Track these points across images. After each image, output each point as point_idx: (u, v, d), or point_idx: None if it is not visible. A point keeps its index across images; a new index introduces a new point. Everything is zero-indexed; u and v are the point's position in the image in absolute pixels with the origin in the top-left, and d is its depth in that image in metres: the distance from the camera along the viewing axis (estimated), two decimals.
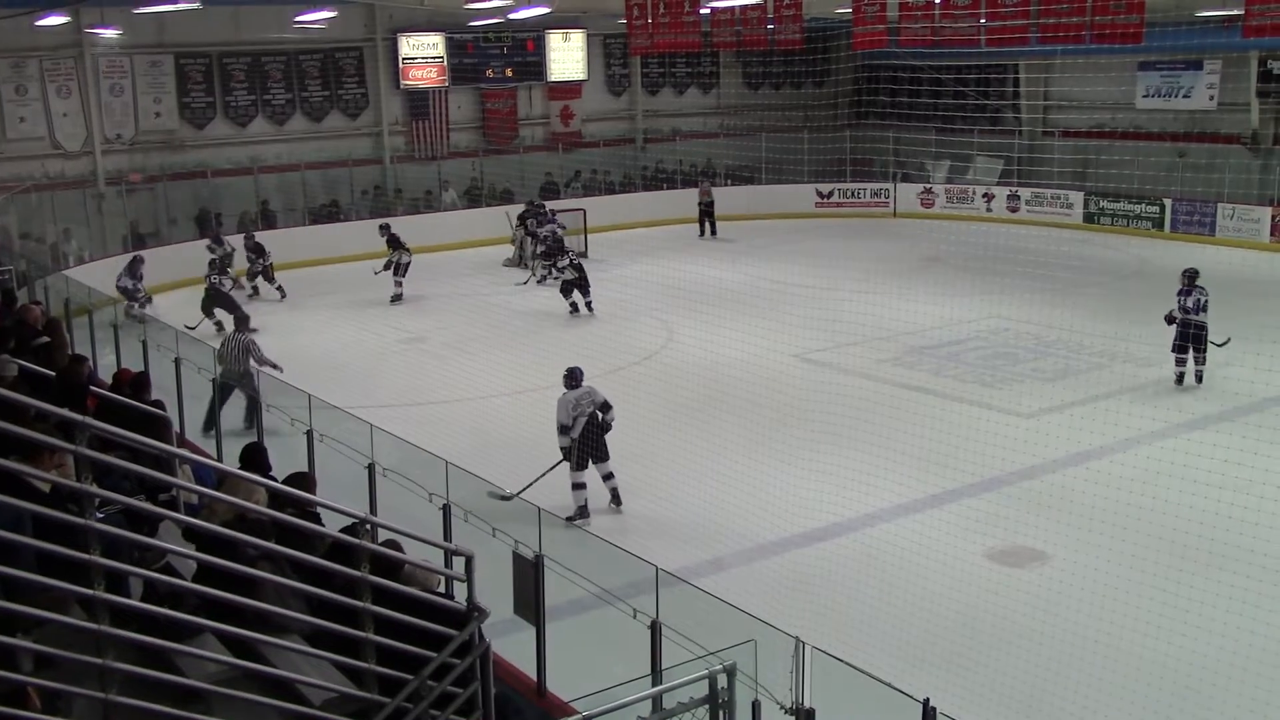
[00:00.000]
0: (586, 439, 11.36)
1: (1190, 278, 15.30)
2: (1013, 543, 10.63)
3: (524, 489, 10.69)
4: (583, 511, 11.33)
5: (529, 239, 24.74)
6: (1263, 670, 8.06)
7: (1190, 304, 15.04)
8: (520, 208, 26.24)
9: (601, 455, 11.51)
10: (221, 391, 12.95)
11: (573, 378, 11.71)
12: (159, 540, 5.32)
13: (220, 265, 20.49)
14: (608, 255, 25.03)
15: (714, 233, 28.50)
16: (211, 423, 12.90)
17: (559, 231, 22.90)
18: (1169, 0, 22.11)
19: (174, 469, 6.52)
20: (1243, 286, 20.01)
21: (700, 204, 28.92)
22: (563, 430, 11.44)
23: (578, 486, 11.40)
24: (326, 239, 26.04)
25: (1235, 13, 19.31)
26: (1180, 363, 15.15)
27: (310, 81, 27.84)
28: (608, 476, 11.58)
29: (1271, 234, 24.96)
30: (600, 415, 11.52)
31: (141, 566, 4.98)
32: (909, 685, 5.15)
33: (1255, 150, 26.76)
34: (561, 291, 20.52)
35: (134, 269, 20.39)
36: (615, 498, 11.60)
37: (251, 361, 13.79)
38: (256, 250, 22.40)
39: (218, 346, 14.19)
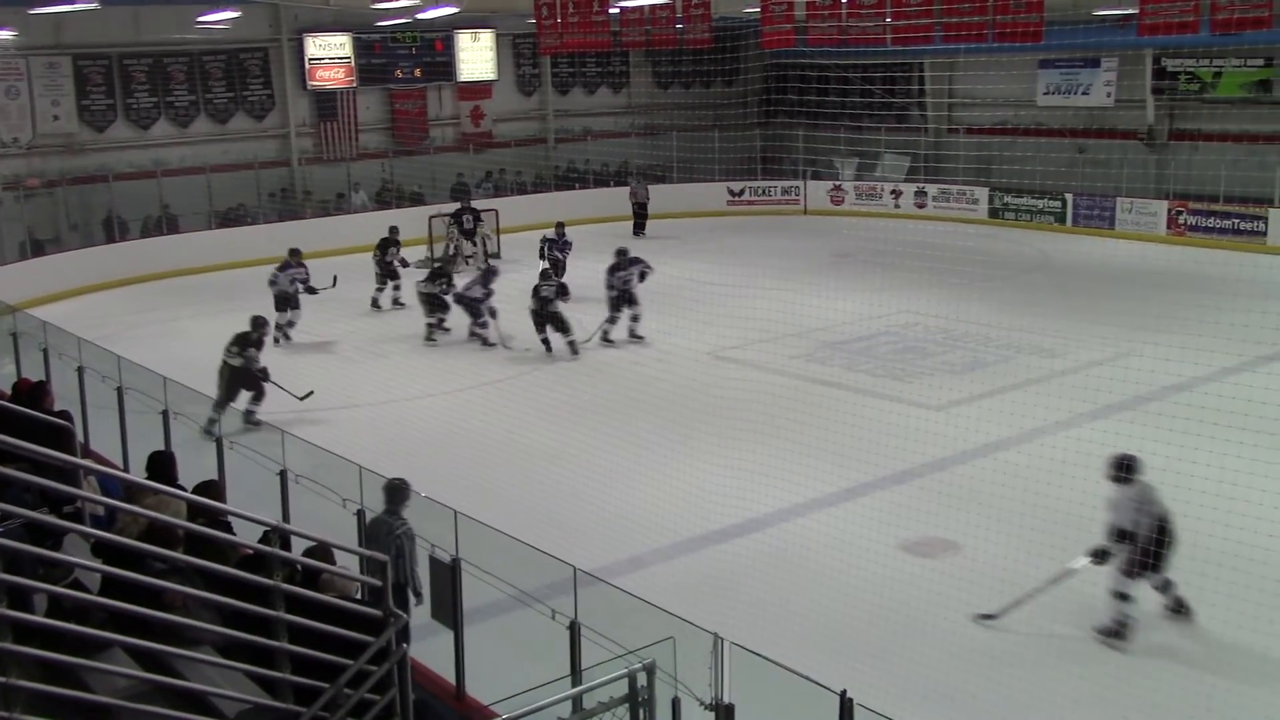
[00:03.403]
0: (1150, 543, 8.82)
1: None
2: (925, 534, 10.79)
3: (1013, 605, 9.07)
4: (1121, 630, 8.76)
5: (462, 239, 24.74)
6: (1164, 652, 8.29)
7: None
8: (435, 208, 26.23)
9: (1162, 564, 8.92)
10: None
11: (1130, 469, 8.98)
12: (64, 554, 5.20)
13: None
14: (522, 256, 24.91)
15: (640, 232, 28.58)
16: None
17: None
18: (1067, 0, 22.63)
19: (79, 481, 6.36)
20: (1142, 278, 20.60)
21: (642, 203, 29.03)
22: (1122, 536, 8.82)
23: (1121, 596, 8.82)
24: (234, 243, 25.59)
25: (1130, 12, 19.83)
26: None
27: (214, 83, 27.31)
28: (1165, 586, 9.03)
29: (1168, 227, 25.69)
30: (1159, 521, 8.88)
31: (49, 581, 4.85)
32: (827, 677, 5.20)
33: (1151, 145, 27.49)
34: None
35: (487, 279, 18.21)
36: (1178, 607, 9.05)
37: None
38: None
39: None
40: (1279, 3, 16.10)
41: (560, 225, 22.26)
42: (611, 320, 18.10)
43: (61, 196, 24.94)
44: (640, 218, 28.88)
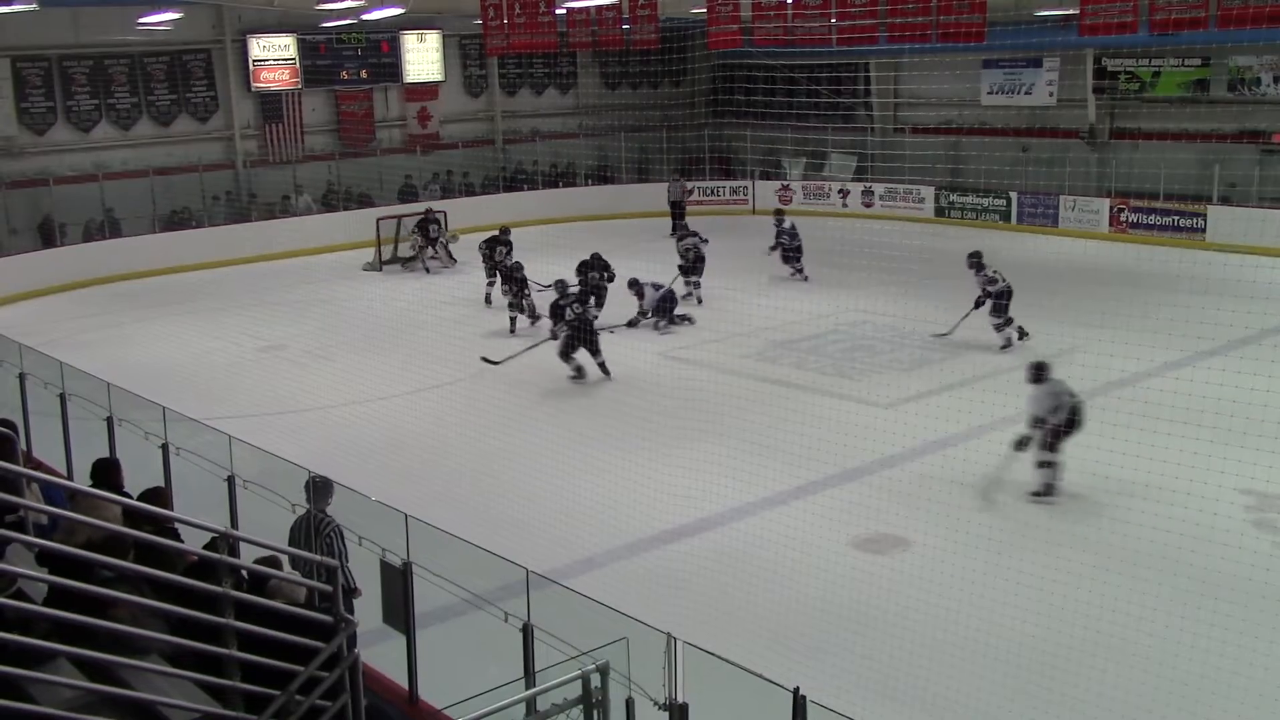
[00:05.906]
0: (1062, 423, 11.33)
1: None
2: (876, 531, 10.87)
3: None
4: (1049, 489, 11.30)
5: (429, 246, 24.64)
6: (1112, 644, 8.41)
7: None
8: (382, 210, 26.12)
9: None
10: None
11: (1041, 370, 11.74)
12: (7, 564, 5.12)
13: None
14: (469, 257, 24.85)
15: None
16: None
17: (700, 247, 20.56)
18: (1009, 0, 22.90)
19: (21, 489, 6.26)
20: (1086, 275, 20.87)
21: (676, 201, 29.03)
22: (1038, 421, 11.35)
23: (1046, 464, 11.34)
24: (178, 247, 25.31)
25: (1071, 12, 20.09)
26: None
27: (157, 85, 26.95)
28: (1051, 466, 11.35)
29: (1110, 224, 26.05)
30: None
31: None
32: (780, 675, 5.22)
33: (1092, 144, 27.86)
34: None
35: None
36: (1046, 491, 11.29)
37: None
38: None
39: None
40: (1214, 3, 16.39)
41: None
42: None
43: (0, 200, 24.52)
44: (675, 216, 28.75)
